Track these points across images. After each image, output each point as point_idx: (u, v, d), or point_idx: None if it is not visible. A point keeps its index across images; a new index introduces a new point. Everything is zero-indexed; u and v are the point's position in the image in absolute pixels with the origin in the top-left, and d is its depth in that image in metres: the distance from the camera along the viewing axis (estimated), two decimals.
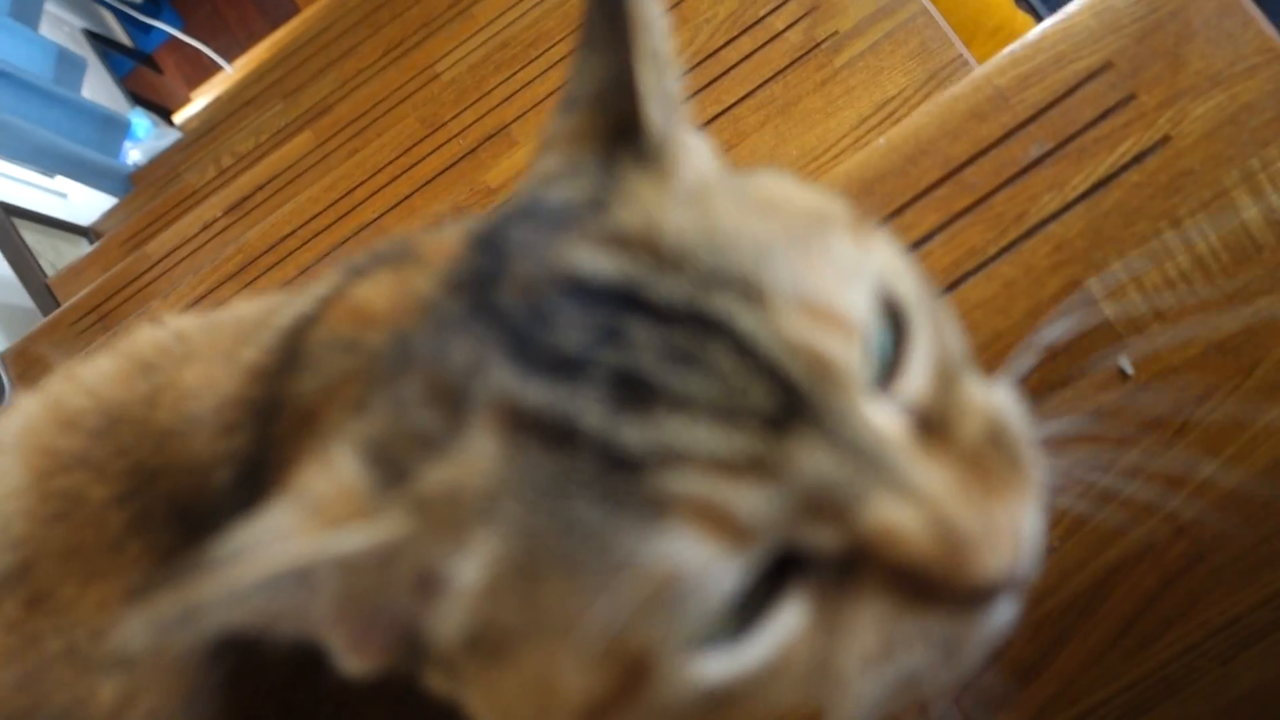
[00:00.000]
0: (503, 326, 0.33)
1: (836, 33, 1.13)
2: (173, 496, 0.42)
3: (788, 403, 0.30)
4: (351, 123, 1.89)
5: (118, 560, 0.42)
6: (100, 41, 3.41)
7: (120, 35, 3.64)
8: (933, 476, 0.32)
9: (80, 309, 1.90)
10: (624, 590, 0.29)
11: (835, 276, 0.33)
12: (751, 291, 0.32)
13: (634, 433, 0.30)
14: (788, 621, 0.32)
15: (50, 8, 3.03)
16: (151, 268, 1.91)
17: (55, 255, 2.42)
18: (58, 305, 2.19)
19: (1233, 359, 0.70)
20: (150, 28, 3.57)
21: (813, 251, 0.34)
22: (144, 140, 2.93)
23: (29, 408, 0.46)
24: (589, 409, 0.30)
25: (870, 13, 1.12)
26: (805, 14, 1.13)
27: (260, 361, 0.42)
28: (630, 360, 0.31)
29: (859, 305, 0.33)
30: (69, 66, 2.76)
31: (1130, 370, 0.71)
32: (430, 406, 0.33)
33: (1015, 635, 0.72)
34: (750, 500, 0.30)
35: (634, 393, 0.30)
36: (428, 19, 2.22)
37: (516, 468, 0.31)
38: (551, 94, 1.48)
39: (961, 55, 1.10)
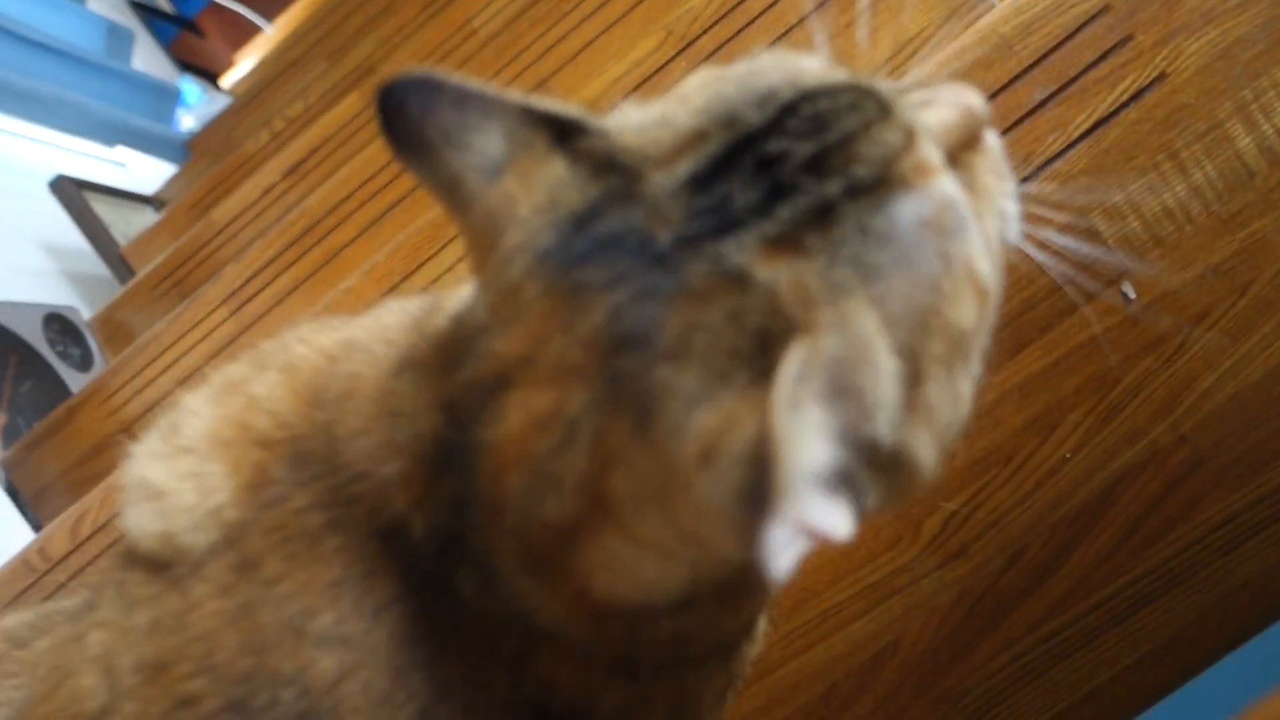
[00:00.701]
0: (701, 236, 0.40)
1: None
2: (372, 518, 0.48)
3: (878, 98, 0.43)
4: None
5: (317, 550, 0.47)
6: (144, 10, 3.50)
7: (162, 2, 3.72)
8: (926, 93, 0.47)
9: (157, 276, 2.01)
10: (935, 230, 0.41)
11: (817, 58, 0.47)
12: (791, 78, 0.44)
13: (860, 169, 0.40)
14: (962, 197, 0.44)
15: None
16: (219, 233, 2.01)
17: (124, 225, 2.53)
18: (132, 272, 2.32)
19: (1228, 280, 0.76)
20: None
21: (777, 55, 0.47)
22: (196, 106, 3.04)
23: (206, 414, 0.53)
24: (825, 189, 0.40)
25: None
26: None
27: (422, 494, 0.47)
28: (806, 150, 0.41)
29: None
30: (119, 39, 2.86)
31: (1132, 295, 0.78)
32: (727, 319, 0.39)
33: (1032, 539, 0.80)
34: (929, 148, 0.43)
35: (824, 161, 0.41)
36: None
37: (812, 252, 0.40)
38: (586, 46, 1.54)
39: None
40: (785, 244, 0.39)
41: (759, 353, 0.38)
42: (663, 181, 0.42)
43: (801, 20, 1.18)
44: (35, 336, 1.96)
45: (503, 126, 0.45)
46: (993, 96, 0.79)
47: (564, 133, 0.45)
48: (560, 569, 0.45)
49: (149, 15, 3.50)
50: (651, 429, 0.39)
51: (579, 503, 0.42)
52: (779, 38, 1.18)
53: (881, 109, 0.43)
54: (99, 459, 1.74)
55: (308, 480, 0.49)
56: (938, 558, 0.79)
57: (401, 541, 0.47)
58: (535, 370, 0.42)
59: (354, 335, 0.55)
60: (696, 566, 0.44)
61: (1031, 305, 0.79)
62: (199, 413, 0.54)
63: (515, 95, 0.45)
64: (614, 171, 0.44)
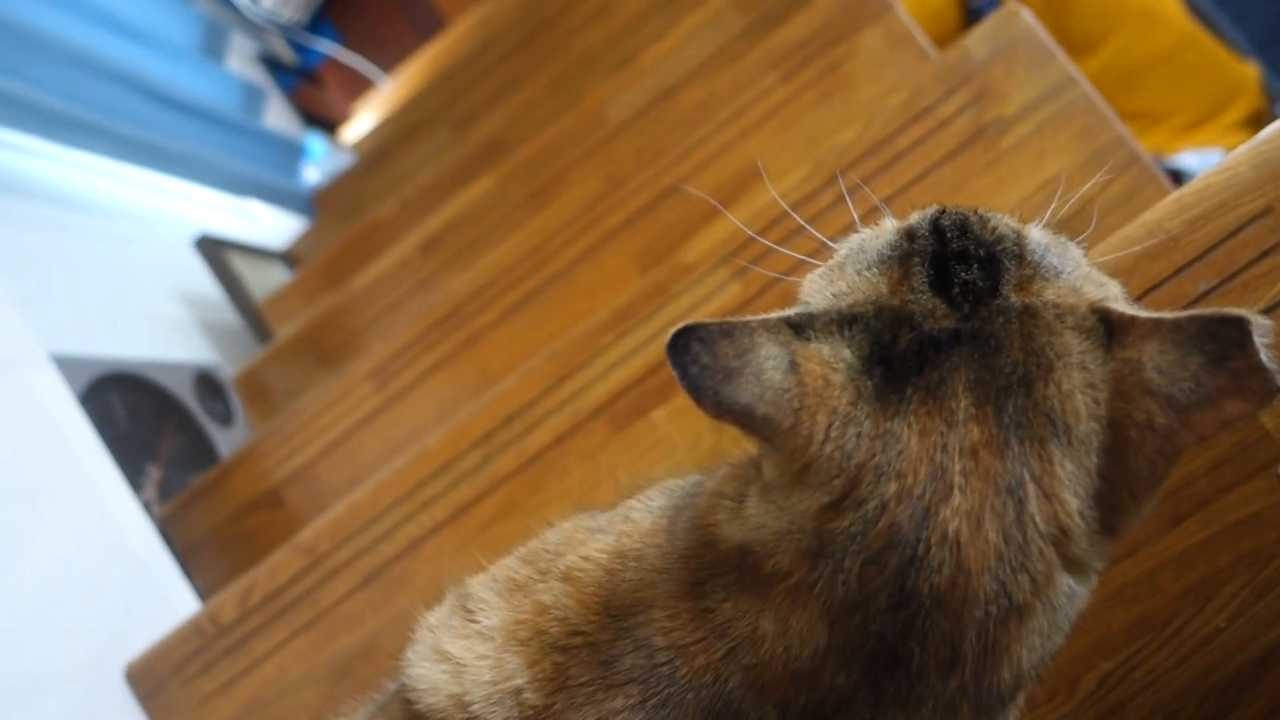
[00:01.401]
0: (975, 308, 0.55)
1: (1002, 117, 1.23)
2: (702, 714, 0.54)
3: (960, 207, 0.62)
4: (528, 164, 2.06)
5: None
6: (268, 63, 3.68)
7: (284, 53, 3.91)
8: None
9: (298, 341, 2.14)
10: (1056, 244, 0.60)
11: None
12: (897, 224, 0.62)
13: (1004, 233, 0.59)
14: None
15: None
16: (357, 303, 2.13)
17: (256, 278, 2.67)
18: (267, 327, 2.46)
19: None
20: (313, 44, 3.83)
21: (863, 232, 0.65)
22: (321, 161, 3.19)
23: (499, 609, 0.60)
24: (1008, 245, 0.58)
25: (1034, 98, 1.22)
26: (972, 101, 1.24)
27: None
28: (971, 241, 0.58)
29: None
30: (253, 98, 3.02)
31: None
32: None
33: (1185, 703, 0.85)
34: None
35: (983, 240, 0.58)
36: (589, 54, 2.36)
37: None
38: (723, 152, 1.62)
39: (1121, 136, 1.19)
40: (1026, 280, 0.56)
41: (1091, 334, 0.52)
42: (915, 311, 0.54)
43: (945, 158, 1.25)
44: (186, 394, 2.10)
45: (766, 336, 0.53)
46: (1158, 285, 0.85)
47: (798, 326, 0.54)
48: (996, 662, 0.50)
49: (273, 68, 3.69)
50: (1071, 431, 0.50)
51: (1046, 556, 0.50)
52: (922, 175, 1.24)
53: (968, 208, 0.61)
54: (246, 519, 1.87)
55: (623, 683, 0.55)
56: (1093, 714, 0.85)
57: None
58: (949, 475, 0.50)
59: (621, 544, 0.62)
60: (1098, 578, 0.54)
61: (1190, 481, 0.84)
62: (491, 604, 0.62)
63: (751, 317, 0.53)
64: (857, 321, 0.55)
